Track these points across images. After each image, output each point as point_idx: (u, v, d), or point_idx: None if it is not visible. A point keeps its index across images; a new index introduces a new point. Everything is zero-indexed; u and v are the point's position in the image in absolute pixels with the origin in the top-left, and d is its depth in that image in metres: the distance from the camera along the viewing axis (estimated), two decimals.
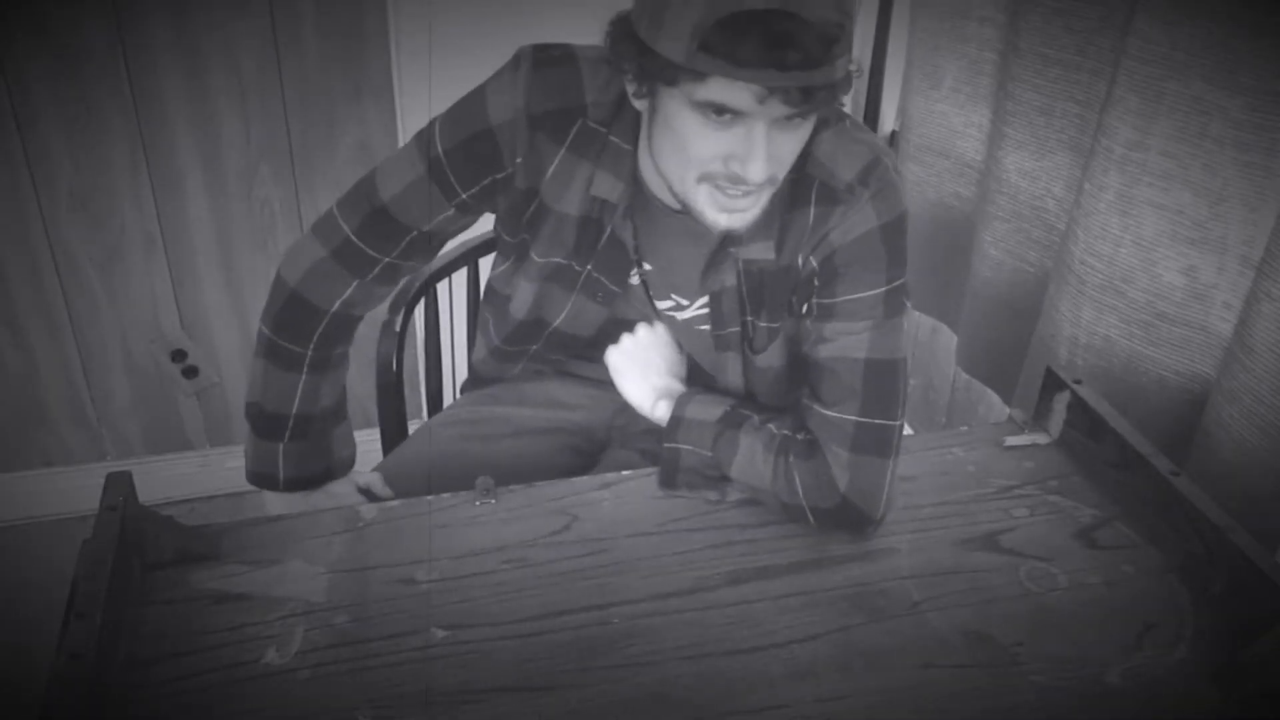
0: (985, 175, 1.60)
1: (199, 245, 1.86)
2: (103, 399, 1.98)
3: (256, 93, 1.75)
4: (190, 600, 0.90)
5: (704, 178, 0.88)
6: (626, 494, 1.04)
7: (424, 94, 1.80)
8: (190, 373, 1.99)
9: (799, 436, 1.00)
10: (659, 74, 0.83)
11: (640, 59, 0.84)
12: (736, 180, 0.86)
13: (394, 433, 1.35)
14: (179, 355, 1.96)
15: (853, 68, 0.87)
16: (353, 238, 1.05)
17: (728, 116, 0.83)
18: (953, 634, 0.89)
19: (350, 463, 1.17)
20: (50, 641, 0.77)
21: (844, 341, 0.99)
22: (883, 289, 0.98)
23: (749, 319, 1.05)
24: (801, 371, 1.06)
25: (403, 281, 1.13)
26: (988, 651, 0.88)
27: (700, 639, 0.88)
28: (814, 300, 1.00)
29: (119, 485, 0.89)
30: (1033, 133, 1.49)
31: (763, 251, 0.99)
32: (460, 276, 1.41)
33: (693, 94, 0.83)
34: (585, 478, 1.07)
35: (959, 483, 1.07)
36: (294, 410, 1.10)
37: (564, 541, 0.98)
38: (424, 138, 1.02)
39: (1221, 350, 1.21)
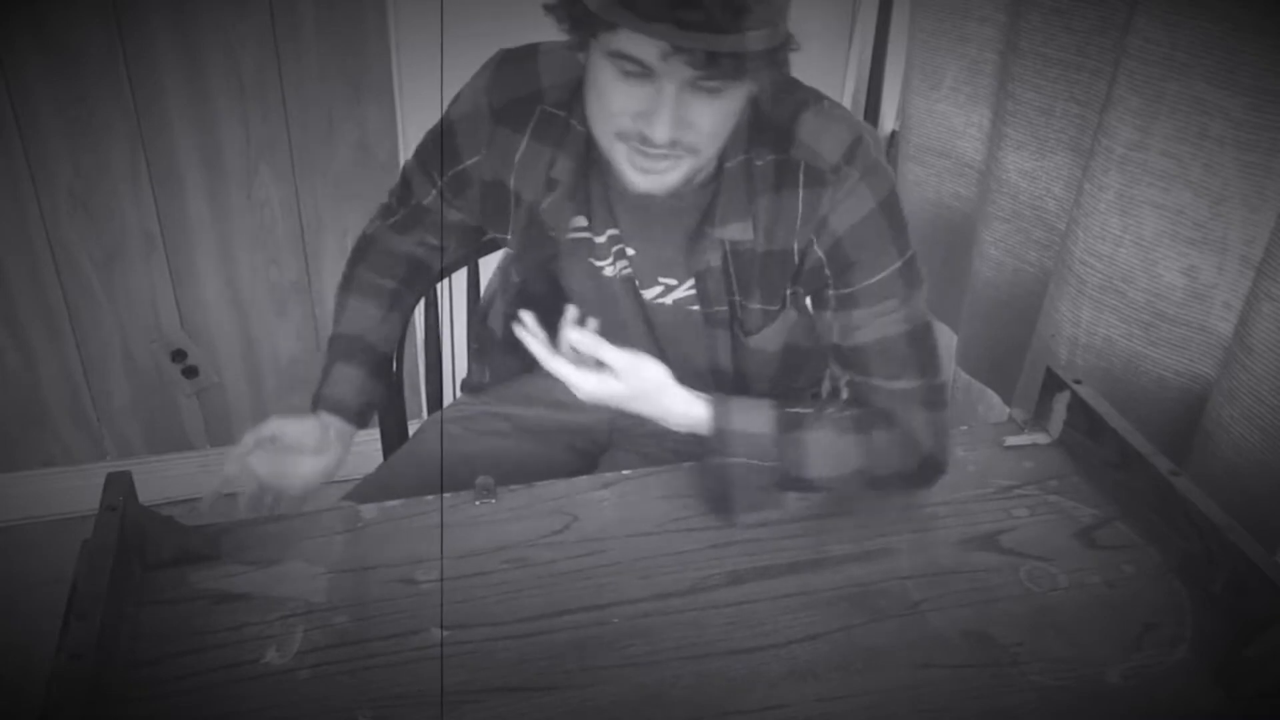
0: (985, 175, 1.60)
1: (199, 245, 1.86)
2: (103, 399, 1.98)
3: (256, 93, 1.75)
4: (190, 600, 0.90)
5: (620, 135, 0.90)
6: (626, 494, 1.04)
7: (424, 94, 1.80)
8: (190, 373, 1.99)
9: (867, 411, 1.01)
10: (581, 24, 0.86)
11: (570, 9, 0.87)
12: (644, 140, 0.88)
13: (394, 433, 1.35)
14: (179, 355, 1.96)
15: (793, 46, 0.88)
16: (393, 190, 1.19)
17: (638, 70, 0.85)
18: (953, 634, 0.89)
19: (338, 407, 1.09)
20: (50, 641, 0.77)
21: (879, 323, 1.00)
22: (898, 264, 0.99)
23: (736, 299, 1.05)
24: (797, 358, 1.09)
25: (418, 248, 1.20)
26: (988, 651, 0.88)
27: (700, 639, 0.88)
28: (831, 292, 1.01)
29: (119, 485, 0.89)
30: (1033, 133, 1.49)
31: (740, 232, 1.00)
32: (460, 277, 1.41)
33: (607, 44, 0.85)
34: (585, 478, 1.07)
35: (959, 483, 1.07)
36: (333, 330, 1.16)
37: (564, 541, 0.98)
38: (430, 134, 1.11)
39: (1221, 350, 1.21)
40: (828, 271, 1.00)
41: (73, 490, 1.98)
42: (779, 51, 0.87)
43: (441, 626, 0.88)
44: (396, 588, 0.92)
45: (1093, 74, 1.37)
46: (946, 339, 1.93)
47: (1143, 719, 0.84)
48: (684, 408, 1.00)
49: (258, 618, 0.89)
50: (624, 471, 1.07)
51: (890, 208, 0.98)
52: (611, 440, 1.27)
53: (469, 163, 1.06)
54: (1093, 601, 0.94)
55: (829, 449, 1.00)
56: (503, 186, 1.06)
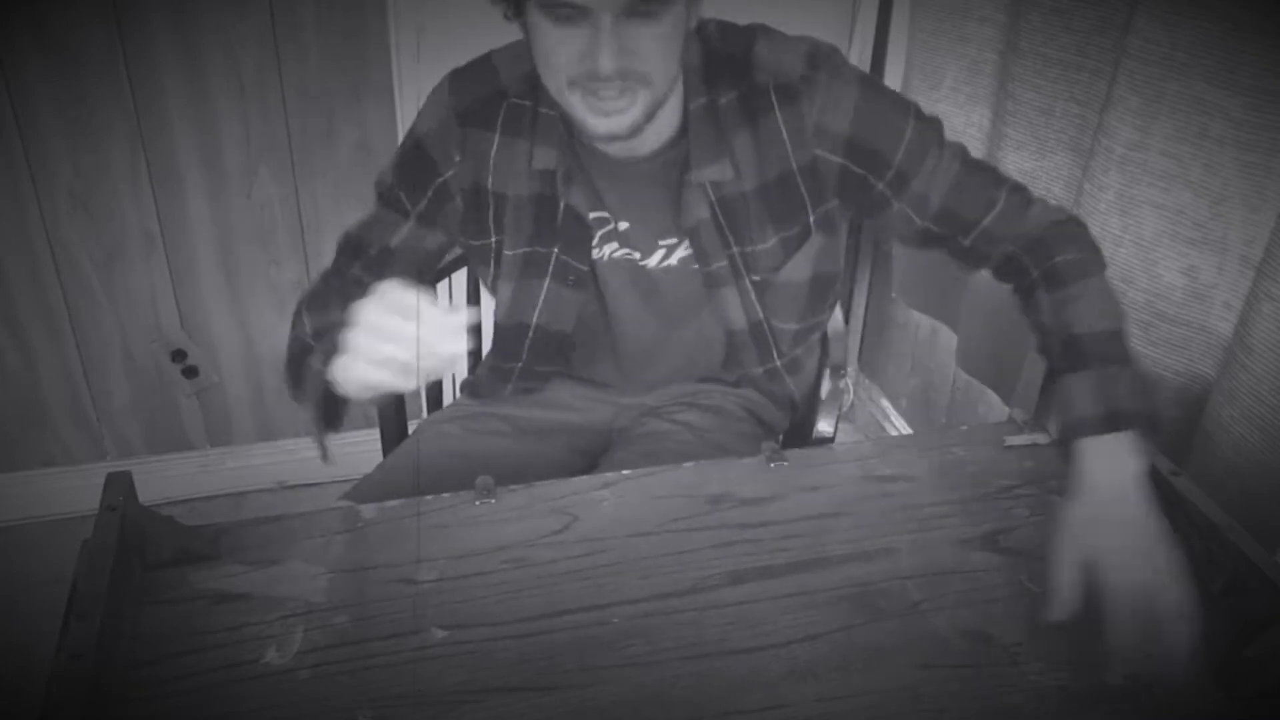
0: None
1: (199, 245, 1.86)
2: (103, 399, 1.98)
3: (256, 93, 1.75)
4: (190, 600, 0.90)
5: (572, 83, 0.90)
6: (626, 494, 1.04)
7: (424, 94, 1.80)
8: (190, 373, 1.99)
9: (1030, 255, 1.03)
10: None
11: None
12: (594, 76, 0.88)
13: (394, 433, 1.35)
14: (179, 355, 1.96)
15: None
16: (333, 263, 1.14)
17: (571, 12, 0.86)
18: (952, 634, 0.89)
19: None
20: (50, 641, 0.77)
21: (938, 178, 1.02)
22: (912, 120, 1.01)
23: (734, 250, 1.06)
24: (822, 285, 1.12)
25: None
26: (987, 651, 0.88)
27: (700, 639, 0.88)
28: (880, 188, 1.02)
29: (119, 485, 0.89)
30: (1033, 133, 1.49)
31: (719, 173, 1.01)
32: (460, 276, 1.41)
33: None
34: (585, 478, 1.07)
35: (959, 483, 1.07)
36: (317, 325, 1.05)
37: (564, 541, 0.98)
38: (378, 182, 1.11)
39: (1221, 350, 1.21)
40: (859, 170, 1.01)
41: (73, 490, 1.98)
42: None
43: (432, 629, 0.88)
44: (396, 588, 0.92)
45: (1093, 74, 1.37)
46: (947, 339, 1.93)
47: (1143, 719, 0.84)
48: (1128, 465, 0.89)
49: (258, 618, 0.88)
50: (624, 471, 1.07)
51: (872, 84, 1.01)
52: (611, 440, 1.27)
53: (447, 175, 1.06)
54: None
55: (1094, 298, 0.99)
56: (481, 190, 1.06)
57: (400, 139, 1.82)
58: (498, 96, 1.03)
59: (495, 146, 1.04)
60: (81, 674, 0.74)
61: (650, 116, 0.94)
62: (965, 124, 1.66)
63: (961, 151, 1.05)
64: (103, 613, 0.79)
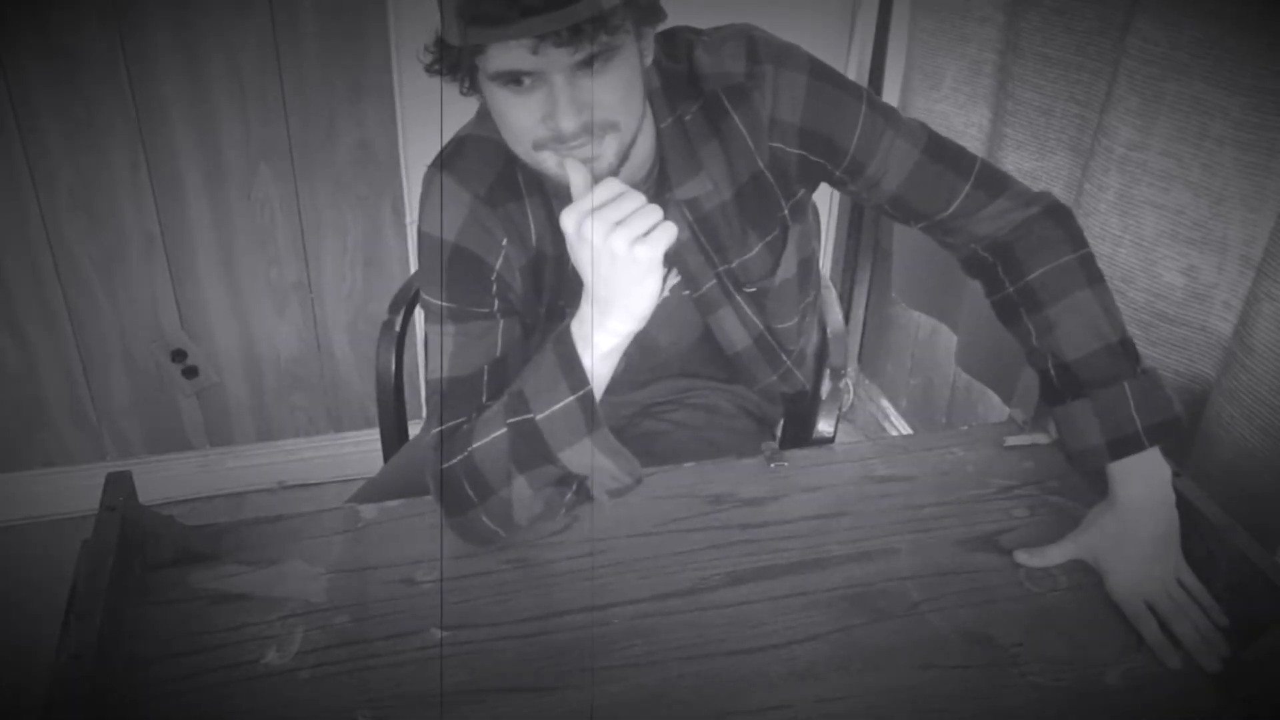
0: None
1: (199, 245, 1.86)
2: (103, 399, 1.98)
3: (256, 93, 1.75)
4: (190, 600, 0.90)
5: (537, 145, 0.88)
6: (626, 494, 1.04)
7: (424, 94, 1.80)
8: (190, 373, 1.99)
9: (1005, 259, 1.01)
10: (458, 63, 0.85)
11: (444, 57, 0.86)
12: (559, 138, 0.86)
13: (394, 433, 1.36)
14: (179, 355, 1.96)
15: None
16: (450, 426, 0.96)
17: (526, 81, 0.84)
18: (952, 634, 0.89)
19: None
20: (50, 641, 0.77)
21: (894, 161, 1.00)
22: (863, 105, 0.99)
23: (720, 268, 1.05)
24: (809, 267, 1.11)
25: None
26: (987, 652, 0.88)
27: (700, 639, 0.88)
28: (838, 173, 1.01)
29: (119, 485, 0.89)
30: (1033, 133, 1.49)
31: (698, 187, 1.00)
32: None
33: (486, 70, 0.84)
34: None
35: (959, 483, 1.07)
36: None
37: (564, 541, 0.98)
38: (431, 312, 0.99)
39: (1221, 350, 1.21)
40: (816, 159, 1.00)
41: (73, 490, 1.98)
42: None
43: (432, 629, 0.88)
44: (396, 588, 0.92)
45: (1093, 74, 1.37)
46: (947, 339, 1.93)
47: (1141, 719, 0.84)
48: (1161, 480, 0.95)
49: (258, 618, 0.89)
50: None
51: (819, 70, 0.98)
52: None
53: (498, 265, 0.98)
54: (1092, 602, 0.94)
55: (1077, 318, 0.97)
56: (532, 258, 1.01)
57: (400, 139, 1.84)
58: (510, 163, 0.98)
59: (529, 209, 1.00)
60: (81, 674, 0.74)
61: (624, 158, 0.91)
62: (965, 124, 1.66)
63: (924, 137, 1.01)
64: (103, 613, 0.79)
